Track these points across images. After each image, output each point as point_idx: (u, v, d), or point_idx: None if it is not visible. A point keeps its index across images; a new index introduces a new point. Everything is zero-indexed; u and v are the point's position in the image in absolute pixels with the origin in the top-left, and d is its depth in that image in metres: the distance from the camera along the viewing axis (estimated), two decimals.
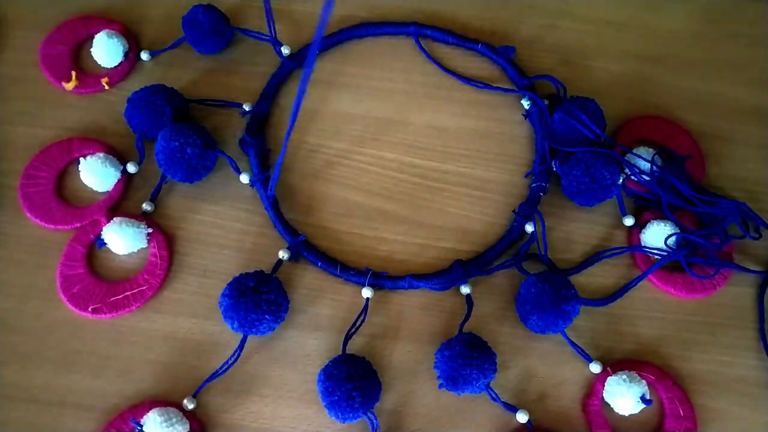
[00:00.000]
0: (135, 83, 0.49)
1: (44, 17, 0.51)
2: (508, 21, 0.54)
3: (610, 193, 0.44)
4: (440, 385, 0.39)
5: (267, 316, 0.39)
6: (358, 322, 0.41)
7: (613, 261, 0.45)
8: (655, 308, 0.44)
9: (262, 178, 0.45)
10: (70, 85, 0.48)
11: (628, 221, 0.46)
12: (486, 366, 0.38)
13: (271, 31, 0.49)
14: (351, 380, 0.37)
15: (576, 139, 0.46)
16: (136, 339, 0.41)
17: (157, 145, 0.44)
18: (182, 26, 0.49)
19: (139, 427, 0.36)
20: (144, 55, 0.50)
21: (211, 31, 0.48)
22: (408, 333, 0.42)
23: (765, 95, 0.52)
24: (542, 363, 0.42)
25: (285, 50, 0.50)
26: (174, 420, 0.37)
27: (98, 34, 0.48)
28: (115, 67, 0.49)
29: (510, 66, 0.51)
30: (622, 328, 0.43)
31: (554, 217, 0.46)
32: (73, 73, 0.48)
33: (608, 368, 0.41)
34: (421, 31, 0.52)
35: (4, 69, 0.49)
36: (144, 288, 0.42)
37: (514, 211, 0.45)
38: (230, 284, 0.40)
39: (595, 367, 0.41)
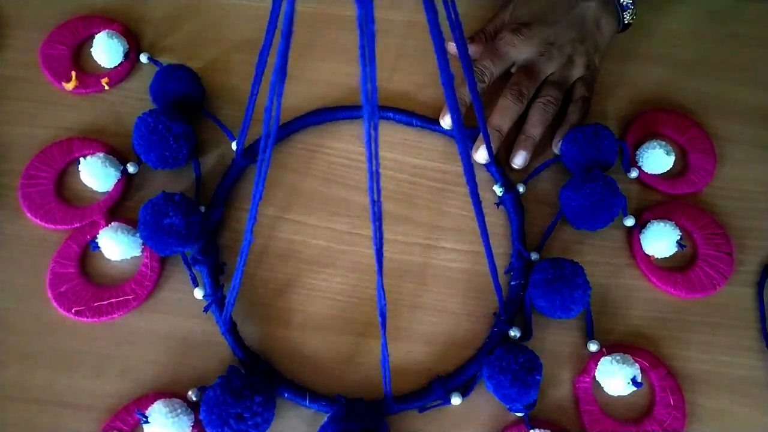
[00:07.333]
0: (135, 83, 0.49)
1: (44, 17, 0.51)
2: None
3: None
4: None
5: None
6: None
7: (613, 261, 0.45)
8: (655, 308, 0.44)
9: (217, 299, 0.40)
10: (70, 85, 0.48)
11: (628, 222, 0.46)
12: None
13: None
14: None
15: (592, 162, 0.45)
16: (137, 339, 0.41)
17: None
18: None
19: (144, 419, 0.36)
20: (143, 57, 0.50)
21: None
22: (407, 333, 0.42)
23: (765, 95, 0.52)
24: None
25: (233, 146, 0.45)
26: (179, 411, 0.37)
27: (98, 35, 0.48)
28: (115, 67, 0.49)
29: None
30: (622, 329, 0.43)
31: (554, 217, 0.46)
32: (73, 73, 0.48)
33: (604, 349, 0.41)
34: (384, 113, 0.48)
35: (4, 69, 0.49)
36: (129, 298, 0.41)
37: (495, 314, 0.42)
38: None
39: (593, 346, 0.41)
